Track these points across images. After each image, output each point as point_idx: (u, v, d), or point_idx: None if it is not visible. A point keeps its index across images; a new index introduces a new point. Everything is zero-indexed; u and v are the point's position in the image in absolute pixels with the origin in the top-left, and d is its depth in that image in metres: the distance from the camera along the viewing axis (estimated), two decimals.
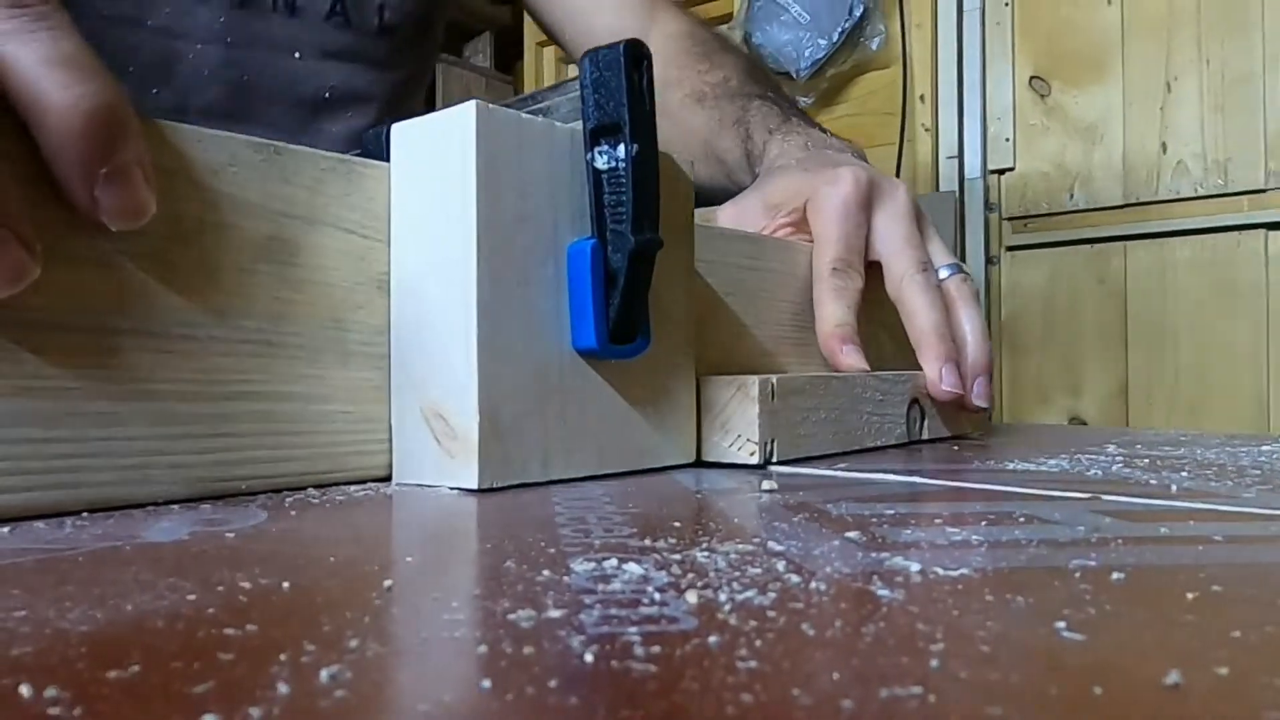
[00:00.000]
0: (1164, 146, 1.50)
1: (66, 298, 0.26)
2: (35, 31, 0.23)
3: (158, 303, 0.27)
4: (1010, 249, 1.66)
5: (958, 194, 1.66)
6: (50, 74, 0.23)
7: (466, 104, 0.31)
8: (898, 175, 1.68)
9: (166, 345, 0.27)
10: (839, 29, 1.69)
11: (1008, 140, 1.65)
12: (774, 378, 0.39)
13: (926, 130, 1.70)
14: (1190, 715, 0.12)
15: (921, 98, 1.71)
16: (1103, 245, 1.56)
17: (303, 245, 0.31)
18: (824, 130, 0.64)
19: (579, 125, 0.33)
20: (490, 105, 0.31)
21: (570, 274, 0.33)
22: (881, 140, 1.73)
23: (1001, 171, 1.65)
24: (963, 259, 1.64)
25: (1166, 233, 1.50)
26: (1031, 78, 1.63)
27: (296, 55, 0.63)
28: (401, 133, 0.33)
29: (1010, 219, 1.65)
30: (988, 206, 1.66)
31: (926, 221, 0.54)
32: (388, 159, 0.33)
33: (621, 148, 0.32)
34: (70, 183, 0.24)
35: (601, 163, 0.32)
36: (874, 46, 1.71)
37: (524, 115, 0.32)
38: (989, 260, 1.66)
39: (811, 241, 0.52)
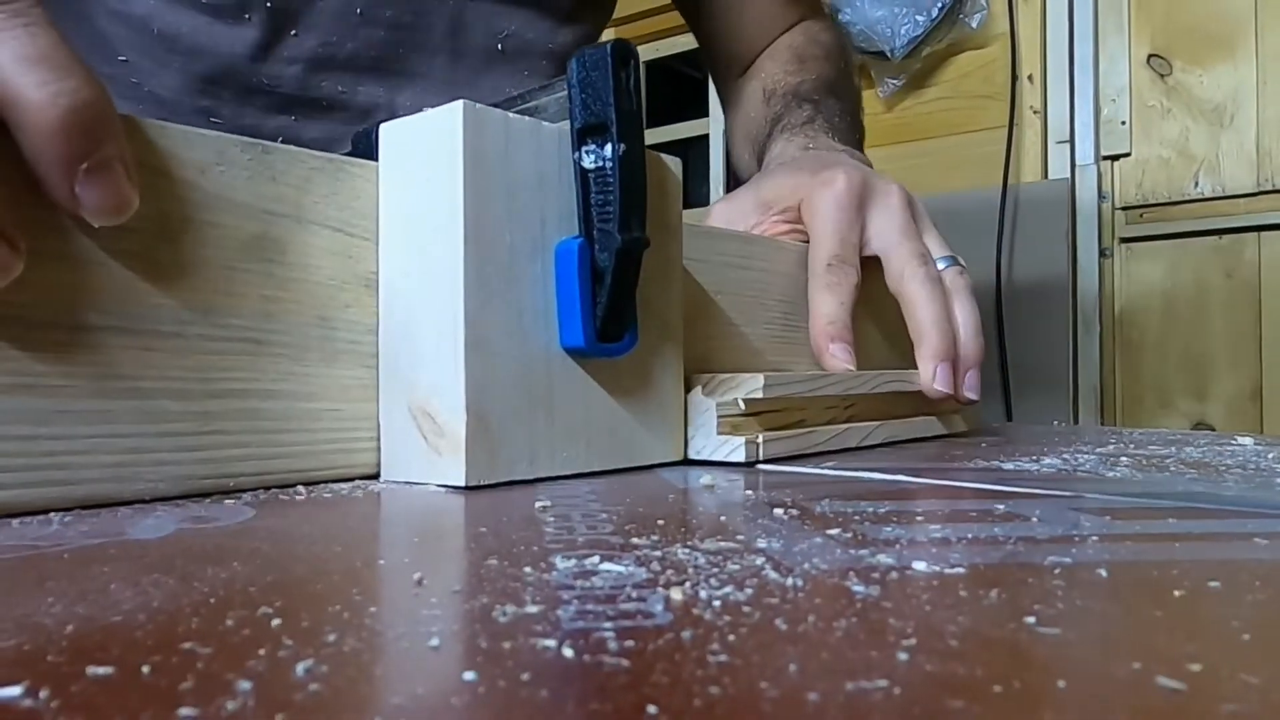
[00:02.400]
0: None
1: (53, 295, 0.26)
2: (12, 29, 0.23)
3: (145, 300, 0.27)
4: (1125, 240, 1.54)
5: (1069, 182, 1.54)
6: (27, 71, 0.23)
7: (454, 103, 0.31)
8: (1006, 163, 1.56)
9: (154, 343, 0.27)
10: (938, 4, 1.57)
11: (1123, 124, 1.52)
12: (762, 376, 0.39)
13: (1035, 113, 1.58)
14: (1152, 708, 0.12)
15: (1030, 78, 1.58)
16: (1232, 236, 1.45)
17: (290, 244, 0.31)
18: (848, 141, 0.64)
19: (567, 125, 0.33)
20: (477, 105, 0.31)
21: (558, 273, 0.33)
22: (981, 124, 1.62)
23: (1116, 157, 1.53)
24: (1074, 252, 1.53)
25: None
26: (1150, 56, 1.51)
27: None
28: (390, 132, 0.33)
29: (1125, 208, 1.53)
30: (1101, 195, 1.54)
31: (922, 214, 0.54)
32: (376, 158, 0.33)
33: (608, 147, 0.32)
34: (51, 180, 0.24)
35: (589, 162, 0.32)
36: (975, 24, 1.58)
37: (511, 115, 0.32)
38: (1102, 253, 1.55)
39: (806, 242, 0.52)
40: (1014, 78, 1.59)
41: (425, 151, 0.31)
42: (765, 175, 0.57)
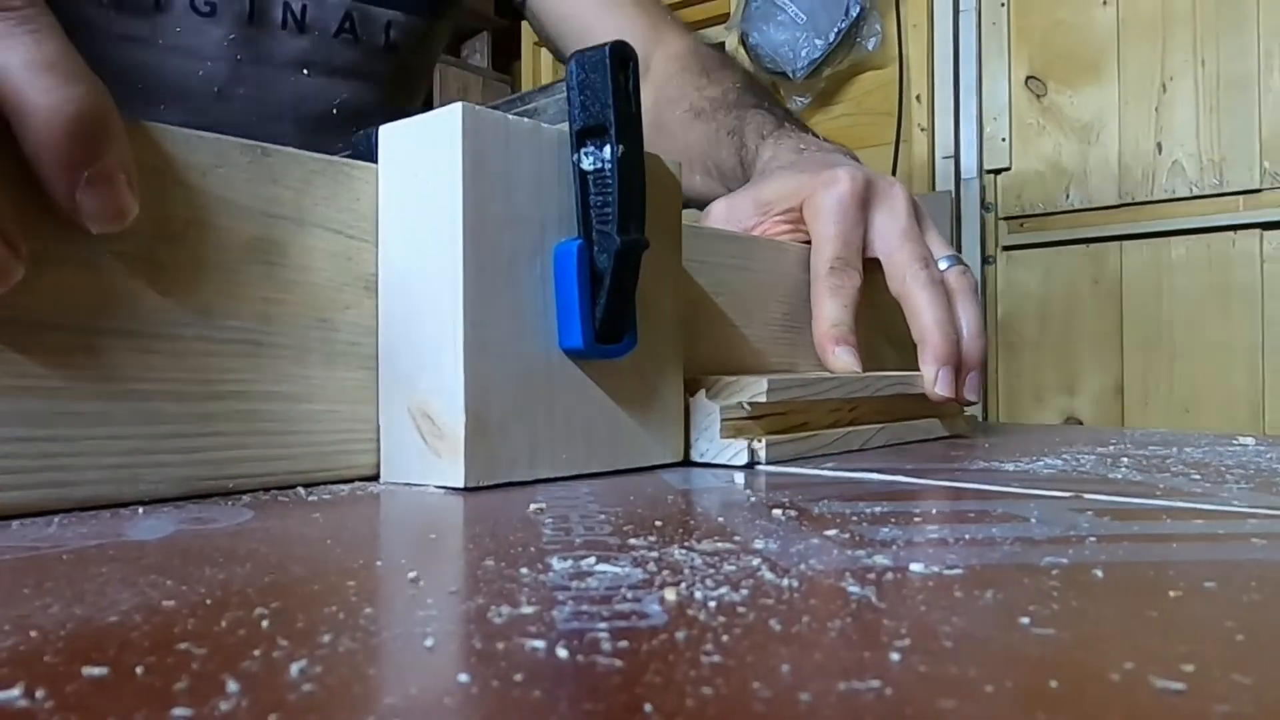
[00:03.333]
0: (1159, 146, 1.51)
1: (54, 298, 0.26)
2: (19, 35, 0.23)
3: (145, 303, 0.27)
4: (1006, 248, 1.66)
5: (954, 194, 1.66)
6: (34, 78, 0.23)
7: (453, 106, 0.31)
8: (894, 175, 1.66)
9: (154, 345, 0.28)
10: (835, 29, 1.70)
11: (1004, 140, 1.65)
12: (765, 379, 0.39)
13: (923, 130, 1.70)
14: (1145, 708, 0.12)
15: (918, 98, 1.71)
16: (1098, 245, 1.57)
17: (290, 246, 0.31)
18: (818, 136, 0.64)
19: (566, 126, 0.33)
20: (477, 107, 0.31)
21: (557, 274, 0.33)
22: (878, 140, 1.74)
23: (998, 171, 1.66)
24: None
25: (1162, 232, 1.50)
26: (1027, 78, 1.63)
27: (305, 72, 0.64)
28: (389, 134, 0.33)
29: (1006, 219, 1.65)
30: (984, 206, 1.66)
31: (924, 216, 0.54)
32: (376, 160, 0.33)
33: (607, 149, 0.32)
34: (53, 185, 0.24)
35: (588, 164, 0.32)
36: (870, 46, 1.71)
37: (510, 116, 0.32)
38: (985, 260, 1.67)
39: (807, 242, 0.52)
40: (901, 98, 1.72)
41: (425, 154, 0.32)
42: (764, 177, 0.57)
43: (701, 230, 0.45)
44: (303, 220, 0.31)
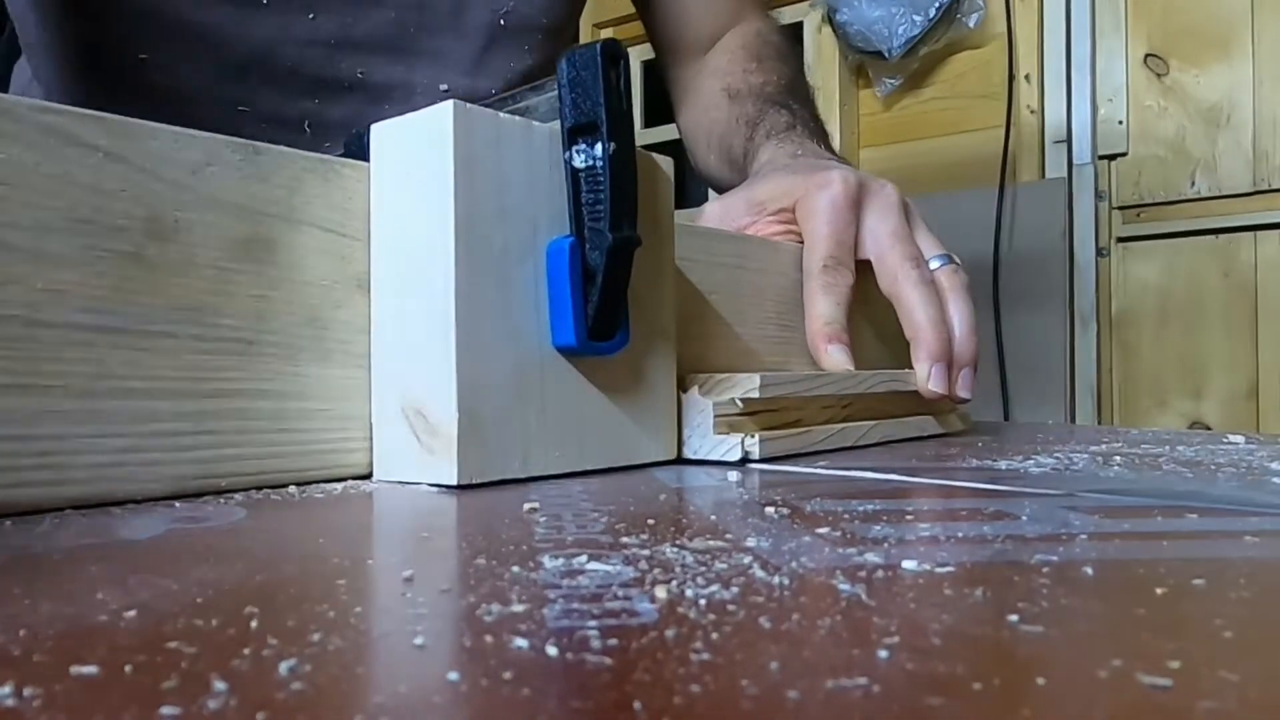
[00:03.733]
0: None
1: (44, 296, 0.26)
2: None
3: (136, 301, 0.27)
4: (1121, 240, 1.55)
5: (1066, 181, 1.55)
6: None
7: (444, 104, 0.31)
8: (1003, 162, 1.57)
9: (145, 343, 0.28)
10: (935, 4, 1.58)
11: (1120, 123, 1.53)
12: (758, 376, 0.39)
13: (1032, 112, 1.59)
14: (1132, 705, 0.12)
15: (1026, 77, 1.59)
16: (1229, 235, 1.45)
17: (281, 244, 0.31)
18: (828, 145, 0.65)
19: (557, 124, 0.33)
20: (468, 105, 0.31)
21: (549, 272, 0.33)
22: (978, 124, 1.63)
23: (1113, 157, 1.54)
24: (1070, 251, 1.54)
25: None
26: (1147, 55, 1.52)
27: None
28: (380, 132, 0.33)
29: (1122, 208, 1.54)
30: (1098, 195, 1.55)
31: (915, 215, 0.54)
32: (368, 159, 0.33)
33: (599, 146, 0.32)
34: None
35: (579, 161, 0.32)
36: (972, 23, 1.59)
37: (502, 114, 0.32)
38: (1099, 252, 1.56)
39: (800, 242, 0.52)
40: (1010, 77, 1.59)
41: (416, 152, 0.32)
42: (758, 178, 0.57)
43: (695, 229, 0.45)
44: (294, 218, 0.31)
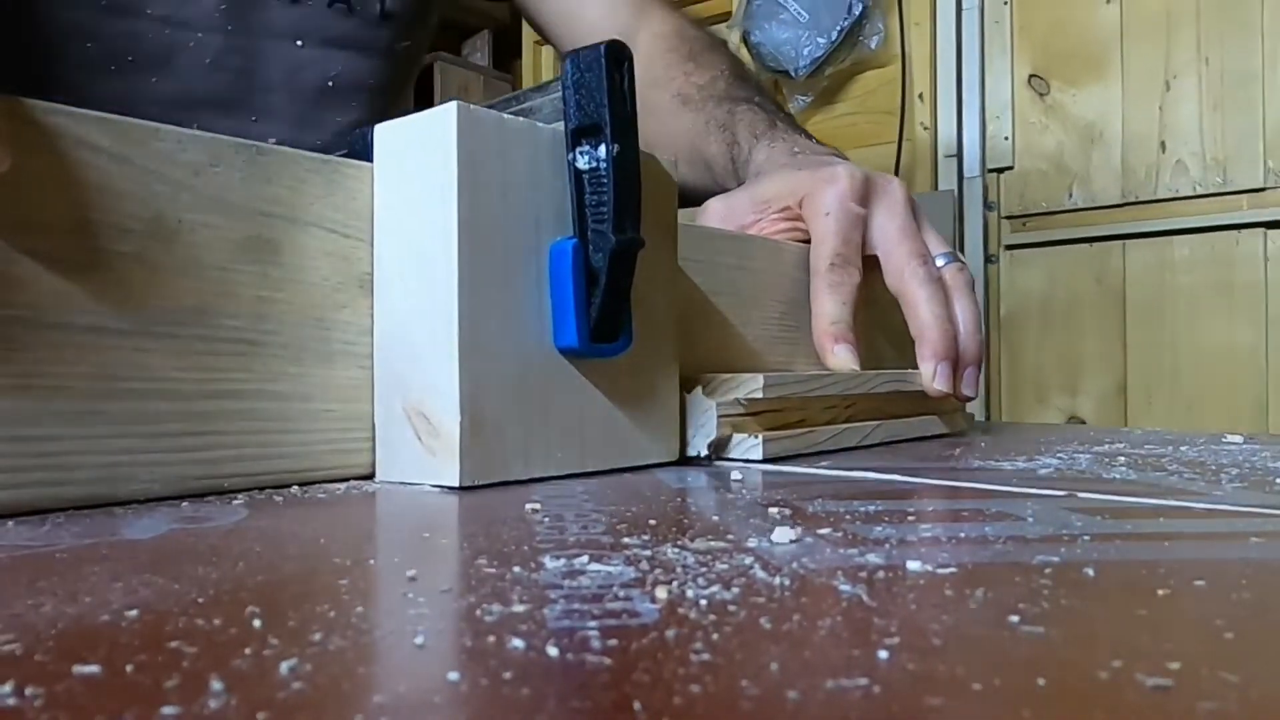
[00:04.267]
0: (1163, 145, 1.50)
1: (49, 297, 0.26)
2: None
3: (139, 302, 0.27)
4: (1009, 248, 1.65)
5: (956, 193, 1.66)
6: None
7: (448, 105, 0.31)
8: (896, 174, 1.67)
9: (148, 344, 0.28)
10: (838, 27, 1.69)
11: (1006, 139, 1.65)
12: (761, 376, 0.39)
13: (925, 129, 1.70)
14: (1131, 706, 0.12)
15: (920, 96, 1.71)
16: (1101, 244, 1.56)
17: (285, 245, 0.31)
18: (809, 136, 0.64)
19: (561, 125, 0.33)
20: (471, 106, 0.31)
21: (552, 273, 0.33)
22: (880, 139, 1.73)
23: (1000, 170, 1.65)
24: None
25: (1165, 231, 1.50)
26: (1030, 76, 1.63)
27: (299, 43, 0.63)
28: (384, 133, 0.33)
29: (1009, 218, 1.65)
30: (987, 205, 1.66)
31: (922, 214, 0.54)
32: (371, 159, 0.33)
33: (602, 148, 0.32)
34: None
35: (583, 163, 0.32)
36: (873, 45, 1.71)
37: (505, 116, 0.32)
38: (988, 259, 1.66)
39: (805, 241, 0.52)
40: (904, 96, 1.71)
41: (419, 152, 0.32)
42: (761, 177, 0.57)
43: (698, 229, 0.45)
44: (298, 219, 0.31)
